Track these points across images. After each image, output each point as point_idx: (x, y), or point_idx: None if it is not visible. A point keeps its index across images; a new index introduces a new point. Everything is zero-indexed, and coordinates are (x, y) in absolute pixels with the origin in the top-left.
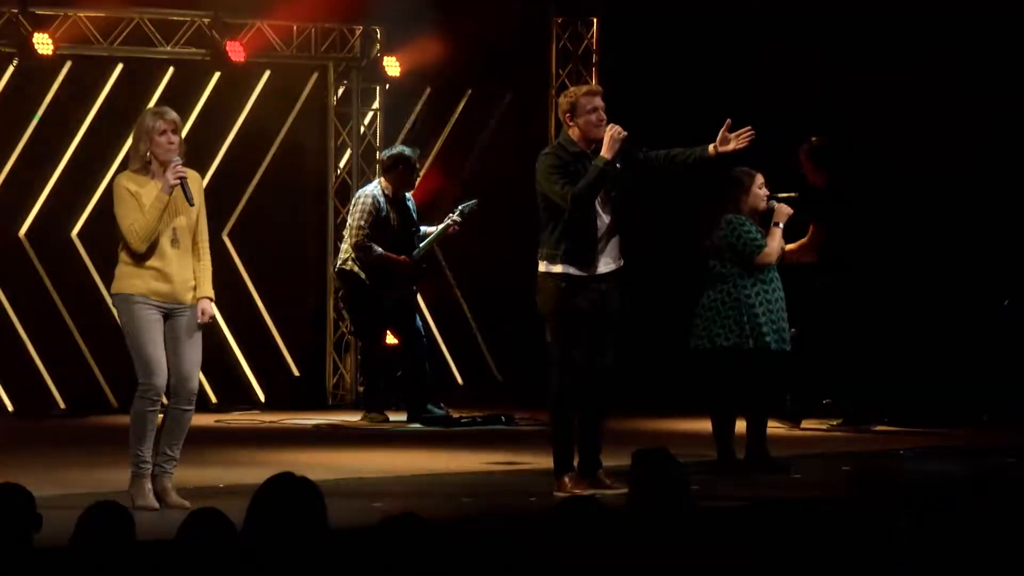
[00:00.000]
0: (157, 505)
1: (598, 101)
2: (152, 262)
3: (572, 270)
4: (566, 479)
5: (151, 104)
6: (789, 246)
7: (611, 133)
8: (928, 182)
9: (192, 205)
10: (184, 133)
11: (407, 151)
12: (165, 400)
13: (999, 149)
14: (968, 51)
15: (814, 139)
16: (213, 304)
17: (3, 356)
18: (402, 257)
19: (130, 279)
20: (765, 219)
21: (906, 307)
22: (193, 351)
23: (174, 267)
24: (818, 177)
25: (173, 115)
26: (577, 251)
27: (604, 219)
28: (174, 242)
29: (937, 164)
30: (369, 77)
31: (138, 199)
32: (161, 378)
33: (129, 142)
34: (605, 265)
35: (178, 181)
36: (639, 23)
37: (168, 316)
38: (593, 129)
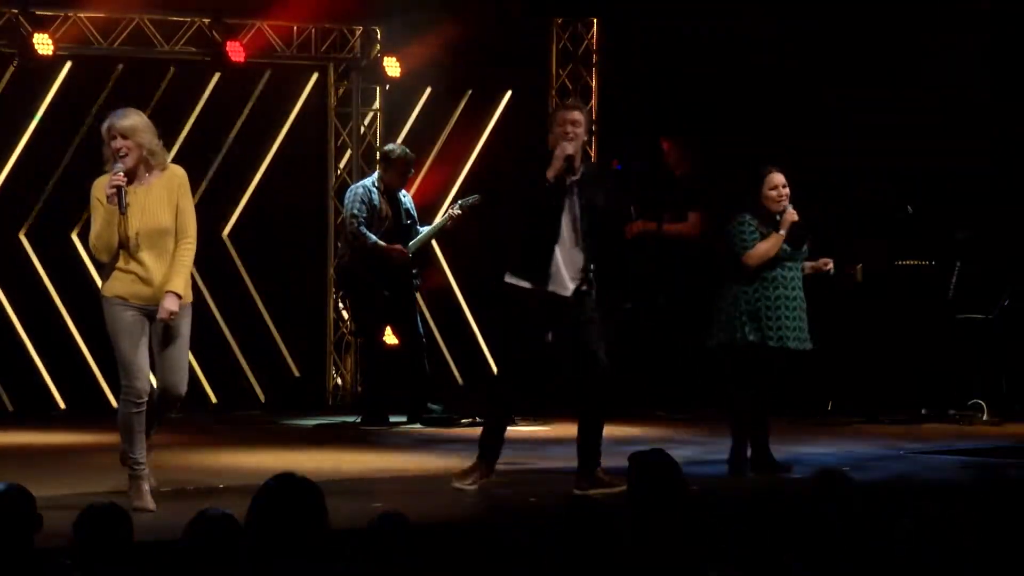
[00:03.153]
0: (154, 507)
1: (569, 116)
2: (129, 266)
3: (521, 283)
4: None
5: (151, 105)
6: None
7: (556, 151)
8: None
9: (123, 215)
10: (184, 133)
11: (399, 149)
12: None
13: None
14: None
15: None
16: (178, 300)
17: (3, 356)
18: (397, 247)
19: (111, 282)
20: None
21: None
22: (179, 356)
23: (151, 269)
24: (682, 164)
25: (117, 120)
26: (527, 265)
27: (565, 238)
28: (146, 243)
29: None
30: (369, 77)
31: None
32: (142, 381)
33: None
34: (559, 284)
35: (113, 191)
36: (639, 24)
37: (152, 318)
38: (557, 144)
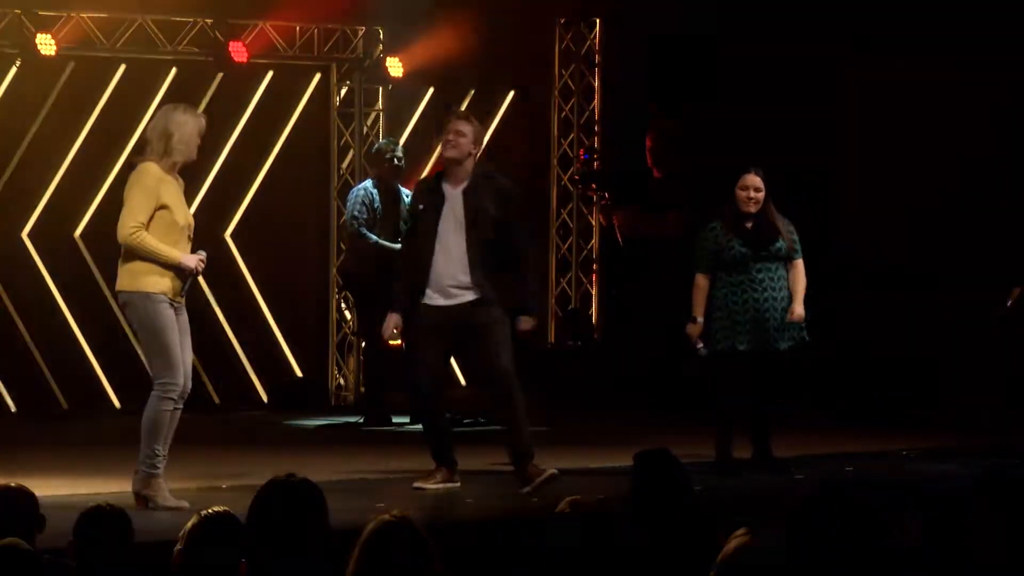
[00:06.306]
0: (187, 504)
1: (454, 125)
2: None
3: (410, 293)
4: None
5: (154, 106)
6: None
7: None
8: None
9: (182, 296)
10: None
11: (381, 143)
12: None
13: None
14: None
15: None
16: None
17: (6, 356)
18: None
19: (154, 276)
20: (754, 221)
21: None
22: (190, 352)
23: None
24: (663, 164)
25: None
26: (410, 276)
27: (450, 247)
28: (189, 239)
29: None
30: (372, 78)
31: (163, 194)
32: (184, 378)
33: (155, 137)
34: (442, 294)
35: (199, 271)
36: (642, 24)
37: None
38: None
